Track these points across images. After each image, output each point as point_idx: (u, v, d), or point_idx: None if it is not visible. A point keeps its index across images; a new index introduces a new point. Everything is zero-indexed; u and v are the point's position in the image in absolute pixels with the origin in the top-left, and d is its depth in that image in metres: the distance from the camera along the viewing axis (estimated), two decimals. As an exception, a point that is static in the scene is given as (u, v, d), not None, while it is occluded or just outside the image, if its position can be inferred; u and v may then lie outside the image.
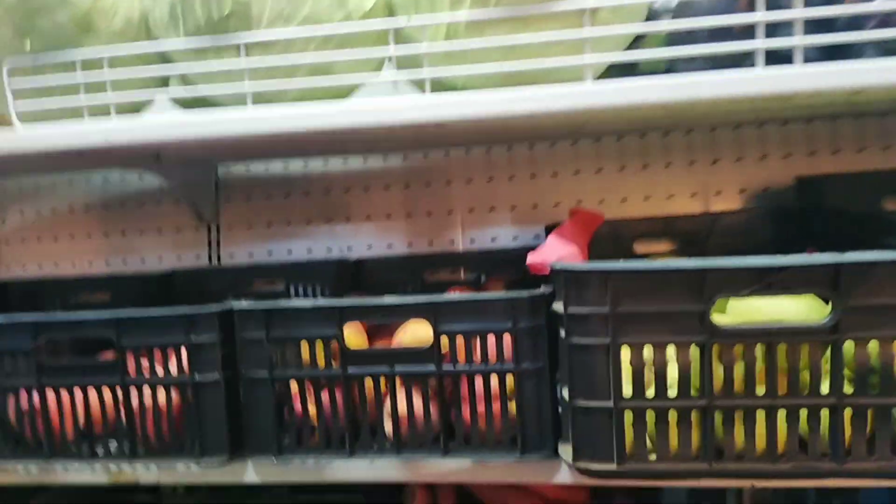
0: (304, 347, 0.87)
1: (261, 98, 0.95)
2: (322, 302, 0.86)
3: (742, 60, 0.76)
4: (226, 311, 0.88)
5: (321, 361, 0.86)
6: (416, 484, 1.15)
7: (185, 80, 1.00)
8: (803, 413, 0.72)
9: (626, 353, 0.75)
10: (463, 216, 1.45)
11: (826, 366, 0.71)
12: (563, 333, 0.78)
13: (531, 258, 0.88)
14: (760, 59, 0.75)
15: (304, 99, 0.92)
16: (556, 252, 0.90)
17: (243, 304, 0.87)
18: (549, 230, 1.04)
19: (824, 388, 0.72)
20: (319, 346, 0.86)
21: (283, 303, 0.87)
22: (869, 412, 0.71)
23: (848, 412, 0.71)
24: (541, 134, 1.34)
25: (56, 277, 1.48)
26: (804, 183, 1.17)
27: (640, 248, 1.28)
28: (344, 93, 0.96)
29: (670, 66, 0.82)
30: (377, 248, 1.46)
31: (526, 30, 0.80)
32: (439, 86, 0.88)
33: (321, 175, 1.47)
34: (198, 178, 1.46)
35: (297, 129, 0.87)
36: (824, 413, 0.72)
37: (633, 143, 1.39)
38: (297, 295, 1.28)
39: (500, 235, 1.44)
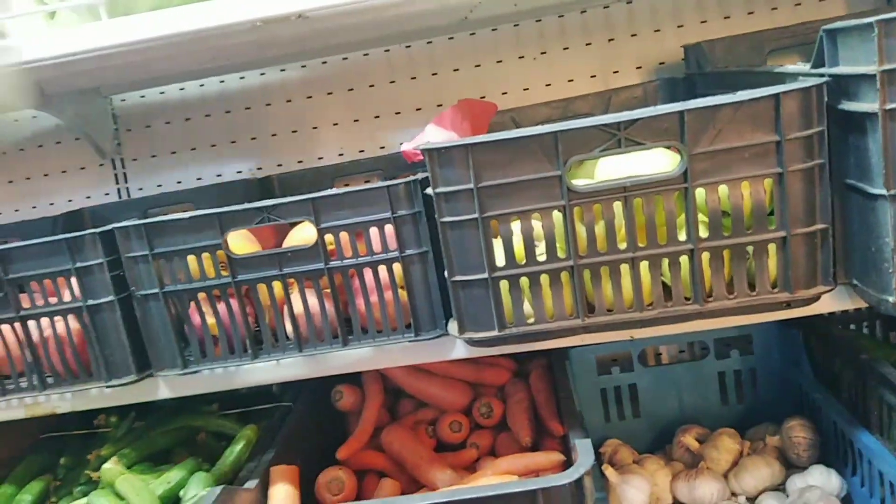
0: (192, 260, 0.87)
1: (116, 9, 0.92)
2: (199, 212, 0.86)
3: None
4: (107, 231, 0.88)
5: (210, 271, 0.87)
6: (344, 385, 1.18)
7: None
8: (665, 262, 0.75)
9: (495, 225, 0.77)
10: (369, 122, 1.43)
11: (681, 213, 0.74)
12: (437, 214, 0.79)
13: (405, 146, 0.88)
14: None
15: (161, 7, 0.89)
16: (431, 139, 0.90)
17: (123, 223, 0.87)
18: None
19: (681, 235, 0.75)
20: (207, 256, 0.87)
21: (161, 217, 0.87)
22: (725, 253, 0.75)
23: (705, 256, 0.75)
24: (435, 27, 1.31)
25: (-37, 230, 1.44)
26: (690, 50, 1.18)
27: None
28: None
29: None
30: (287, 165, 1.44)
31: None
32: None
33: (218, 94, 1.43)
34: (92, 112, 1.41)
35: (153, 36, 0.84)
36: (684, 259, 0.75)
37: (530, 28, 1.37)
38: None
39: (409, 139, 1.42)
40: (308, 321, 0.88)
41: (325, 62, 1.42)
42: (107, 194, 1.49)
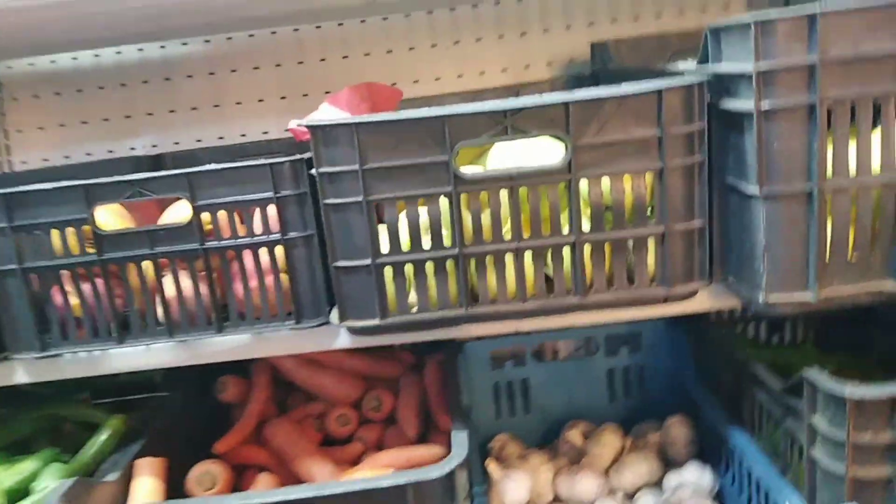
0: (56, 235, 0.81)
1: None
2: (64, 183, 0.79)
3: None
4: (-38, 203, 0.80)
5: (74, 248, 0.80)
6: (229, 376, 1.13)
7: None
8: (548, 253, 0.75)
9: (381, 209, 0.74)
10: (275, 103, 1.38)
11: (564, 204, 0.73)
12: (320, 195, 0.76)
13: (291, 124, 0.84)
14: None
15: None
16: (323, 117, 0.86)
17: (-23, 192, 0.80)
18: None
19: (565, 227, 0.74)
20: (71, 231, 0.80)
21: (24, 187, 0.80)
22: (606, 246, 0.74)
23: (587, 248, 0.74)
24: (343, 8, 1.27)
25: None
26: (597, 48, 1.18)
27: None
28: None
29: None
30: (185, 144, 1.37)
31: None
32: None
33: (114, 66, 1.35)
34: (-28, 77, 1.31)
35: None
36: (566, 251, 0.74)
37: (444, 17, 1.35)
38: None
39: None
40: (180, 305, 0.83)
41: (229, 38, 1.36)
42: (-14, 166, 1.38)
